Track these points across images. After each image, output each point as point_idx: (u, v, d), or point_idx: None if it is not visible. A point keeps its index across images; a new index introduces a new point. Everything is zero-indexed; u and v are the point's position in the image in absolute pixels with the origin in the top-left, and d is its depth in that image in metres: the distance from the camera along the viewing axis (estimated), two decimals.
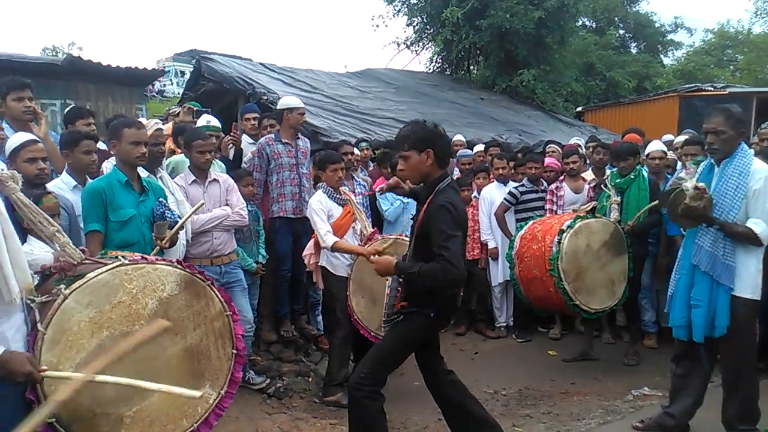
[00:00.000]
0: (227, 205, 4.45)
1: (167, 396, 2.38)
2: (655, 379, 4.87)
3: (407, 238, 4.32)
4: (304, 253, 4.79)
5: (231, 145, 5.51)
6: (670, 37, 24.06)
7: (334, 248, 4.46)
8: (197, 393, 2.17)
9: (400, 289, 3.28)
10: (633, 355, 5.42)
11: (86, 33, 63.93)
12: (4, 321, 2.11)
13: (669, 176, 5.80)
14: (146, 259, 2.54)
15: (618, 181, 5.26)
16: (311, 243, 4.73)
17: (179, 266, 2.56)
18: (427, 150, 3.16)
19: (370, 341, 4.45)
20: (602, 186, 5.41)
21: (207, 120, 5.30)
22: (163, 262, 2.56)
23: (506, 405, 4.70)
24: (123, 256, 2.52)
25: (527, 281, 5.11)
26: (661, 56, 23.73)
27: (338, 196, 4.69)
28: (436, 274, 3.02)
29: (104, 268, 2.36)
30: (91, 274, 2.33)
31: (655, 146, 5.90)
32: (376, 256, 3.98)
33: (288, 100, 5.55)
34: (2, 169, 2.45)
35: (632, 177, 5.19)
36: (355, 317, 4.52)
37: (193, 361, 2.51)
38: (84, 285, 2.29)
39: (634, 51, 22.69)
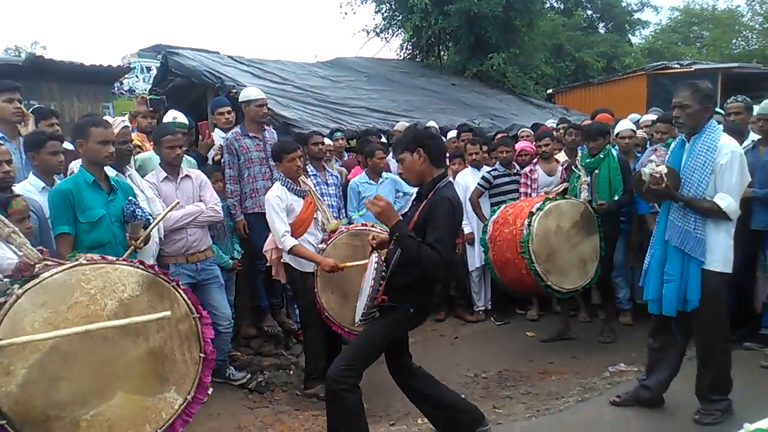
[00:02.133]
0: (200, 201, 4.39)
1: (128, 399, 2.34)
2: (631, 354, 4.96)
3: (374, 229, 4.31)
4: (265, 249, 4.70)
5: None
6: (637, 16, 24.30)
7: (291, 252, 4.38)
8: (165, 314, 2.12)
9: (382, 283, 3.27)
10: (609, 333, 5.51)
11: (49, 31, 62.24)
12: None
13: (639, 155, 5.88)
14: (105, 259, 2.49)
15: (588, 161, 5.32)
16: (270, 238, 4.62)
17: (141, 266, 2.52)
18: (417, 149, 3.24)
19: (341, 335, 4.42)
20: (573, 167, 5.46)
21: (174, 116, 5.20)
22: (124, 263, 2.51)
23: (486, 387, 4.76)
24: (84, 257, 2.47)
25: (501, 264, 5.16)
26: (629, 35, 23.95)
27: (298, 187, 4.54)
28: (420, 250, 3.05)
29: (60, 268, 2.32)
30: (46, 274, 2.29)
31: (624, 125, 5.98)
32: (338, 271, 4.15)
33: (246, 92, 5.47)
34: None
35: (602, 156, 5.25)
36: (326, 314, 4.34)
37: (156, 365, 2.46)
38: (38, 285, 2.25)
39: (602, 31, 22.88)
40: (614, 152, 5.39)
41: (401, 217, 3.28)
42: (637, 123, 6.70)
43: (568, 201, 5.11)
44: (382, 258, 3.37)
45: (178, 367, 2.52)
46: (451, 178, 6.24)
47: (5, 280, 2.46)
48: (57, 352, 2.22)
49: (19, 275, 2.34)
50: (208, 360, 2.62)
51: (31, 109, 4.82)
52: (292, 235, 4.41)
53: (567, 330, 5.68)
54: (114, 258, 2.58)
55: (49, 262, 2.45)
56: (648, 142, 6.18)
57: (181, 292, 2.58)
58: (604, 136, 5.34)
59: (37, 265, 2.41)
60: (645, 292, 3.76)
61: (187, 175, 4.40)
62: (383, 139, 7.30)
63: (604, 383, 4.52)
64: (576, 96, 15.13)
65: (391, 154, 6.11)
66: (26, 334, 2.17)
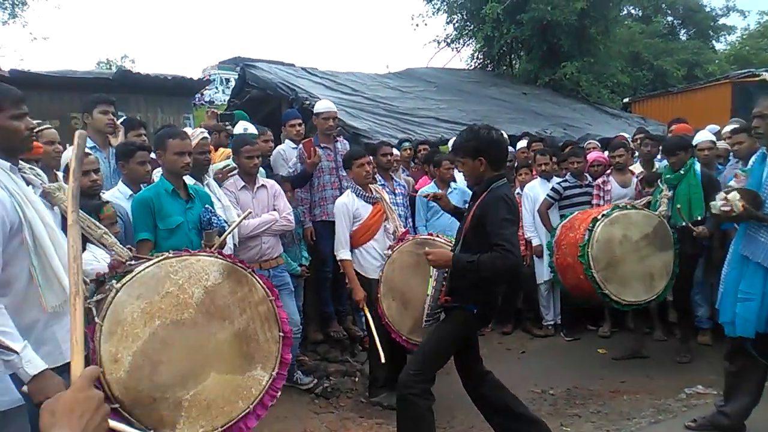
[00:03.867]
0: (275, 209, 4.56)
1: (221, 379, 2.50)
2: (710, 377, 4.72)
3: (438, 239, 4.33)
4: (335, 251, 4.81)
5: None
6: (721, 21, 23.17)
7: (341, 263, 4.62)
8: None
9: (445, 283, 3.31)
10: (686, 353, 5.26)
11: (137, 45, 66.11)
12: (55, 322, 2.27)
13: (720, 167, 5.61)
14: (189, 251, 2.64)
15: (668, 176, 5.12)
16: None
17: (220, 256, 2.66)
18: (479, 158, 3.28)
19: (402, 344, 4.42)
20: (658, 181, 5.29)
21: (244, 127, 5.40)
22: (205, 254, 2.66)
23: (554, 404, 4.64)
24: (169, 251, 2.63)
25: (563, 268, 5.10)
26: (713, 42, 22.88)
27: (367, 194, 4.66)
28: (495, 262, 3.05)
29: (150, 262, 2.49)
30: (139, 268, 2.45)
31: (703, 136, 5.71)
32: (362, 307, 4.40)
33: (317, 105, 5.68)
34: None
35: (682, 173, 5.04)
36: (386, 320, 4.35)
37: (242, 345, 2.60)
38: (133, 278, 2.41)
39: (683, 38, 21.97)
40: (698, 167, 5.13)
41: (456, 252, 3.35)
42: (717, 134, 6.39)
43: (641, 212, 4.95)
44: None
45: (262, 346, 2.65)
46: (519, 189, 6.31)
47: (90, 284, 2.65)
48: (156, 339, 2.38)
49: (113, 272, 2.52)
50: (286, 338, 2.73)
51: (120, 120, 5.11)
52: (355, 242, 4.59)
53: (641, 348, 5.46)
54: (196, 251, 2.72)
55: (137, 258, 2.63)
56: (730, 154, 5.88)
57: (257, 277, 2.71)
58: (686, 149, 5.11)
59: (128, 262, 2.58)
60: (721, 314, 3.58)
61: (263, 185, 4.59)
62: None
63: (680, 405, 4.33)
64: (654, 105, 14.55)
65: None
66: (128, 324, 2.35)
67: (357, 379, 5.14)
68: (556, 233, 5.29)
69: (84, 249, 2.80)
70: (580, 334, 6.14)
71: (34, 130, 3.53)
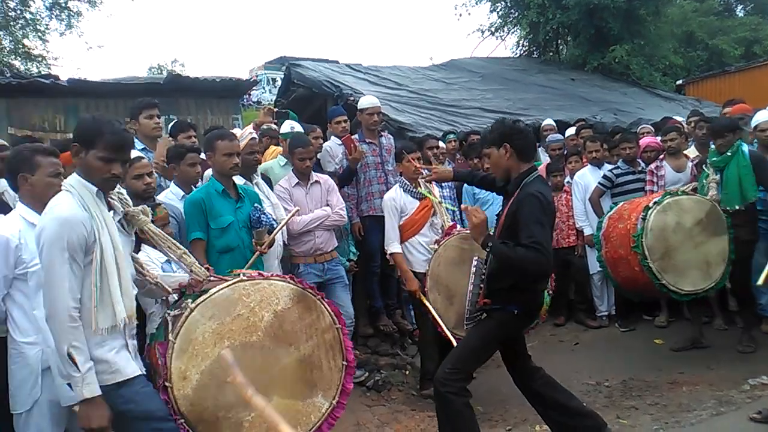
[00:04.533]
0: (327, 205, 4.65)
1: (282, 403, 2.57)
2: None
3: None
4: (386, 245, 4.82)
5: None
6: None
7: (392, 257, 4.64)
8: None
9: (482, 285, 3.28)
10: (749, 342, 5.05)
11: (186, 49, 67.98)
12: (106, 344, 2.36)
13: None
14: (262, 275, 2.73)
15: (714, 159, 4.94)
16: None
17: (292, 282, 2.73)
18: (504, 145, 3.22)
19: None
20: (703, 165, 5.10)
21: (291, 126, 5.48)
22: (278, 278, 2.74)
23: (609, 396, 4.55)
24: (243, 274, 2.72)
25: (614, 262, 4.92)
26: None
27: (415, 189, 4.68)
28: (525, 258, 2.98)
29: (225, 284, 2.58)
30: (214, 290, 2.55)
31: (764, 116, 5.43)
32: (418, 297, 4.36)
33: (361, 101, 5.70)
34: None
35: (729, 154, 4.84)
36: (432, 315, 4.36)
37: (306, 372, 2.65)
38: (207, 299, 2.52)
39: (740, 14, 20.99)
40: (745, 148, 4.92)
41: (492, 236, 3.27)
42: None
43: (692, 197, 4.78)
44: (483, 260, 3.35)
45: (324, 374, 2.71)
46: (569, 177, 6.19)
47: (173, 294, 2.79)
48: (222, 359, 2.47)
49: (190, 290, 2.63)
50: (350, 367, 2.78)
51: (171, 124, 5.25)
52: (402, 236, 4.61)
53: (700, 338, 5.27)
54: (269, 274, 2.81)
55: (213, 279, 2.73)
56: None
57: (325, 303, 2.77)
58: (734, 131, 4.91)
59: (203, 282, 2.68)
60: None
61: (316, 181, 4.68)
62: None
63: (743, 397, 4.17)
64: (709, 86, 13.98)
65: None
66: (197, 344, 2.45)
67: (408, 373, 5.17)
68: (603, 225, 5.11)
69: (139, 250, 2.91)
70: (635, 325, 5.98)
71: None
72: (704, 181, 4.97)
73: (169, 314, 2.53)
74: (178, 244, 2.78)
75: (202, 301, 2.50)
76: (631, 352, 5.41)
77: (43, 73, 13.46)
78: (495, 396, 4.53)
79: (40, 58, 17.75)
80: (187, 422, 2.40)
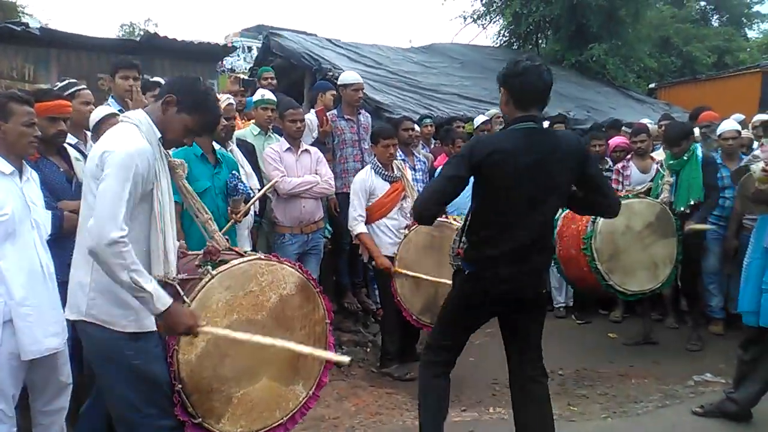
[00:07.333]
0: (317, 174, 4.68)
1: (269, 385, 2.61)
2: (720, 366, 4.75)
3: (456, 222, 4.33)
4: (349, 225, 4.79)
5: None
6: (756, 8, 22.51)
7: (358, 238, 4.62)
8: (345, 359, 2.44)
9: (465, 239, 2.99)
10: (696, 341, 5.29)
11: (160, 8, 65.92)
12: None
13: (743, 156, 5.55)
14: (276, 257, 2.78)
15: (670, 162, 5.16)
16: None
17: (299, 270, 2.77)
18: (502, 89, 2.88)
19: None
20: (659, 167, 5.32)
21: (261, 94, 5.40)
22: (288, 264, 2.76)
23: (562, 384, 4.71)
24: (256, 252, 2.78)
25: (566, 261, 5.07)
26: (745, 29, 22.28)
27: (387, 172, 4.69)
28: None
29: (244, 259, 2.61)
30: (235, 261, 2.57)
31: (728, 125, 5.63)
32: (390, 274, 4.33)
33: (344, 76, 5.65)
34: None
35: (685, 159, 5.09)
36: (398, 299, 4.42)
37: (294, 358, 2.68)
38: (227, 270, 2.53)
39: (715, 24, 21.42)
40: (699, 152, 5.19)
41: None
42: (742, 123, 6.30)
43: (643, 201, 4.95)
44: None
45: (308, 364, 2.75)
46: None
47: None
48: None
49: (208, 257, 2.60)
50: (329, 363, 2.83)
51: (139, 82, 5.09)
52: (369, 218, 4.63)
53: (650, 334, 5.49)
54: (283, 258, 2.84)
55: (229, 251, 2.72)
56: (754, 143, 5.82)
57: (322, 298, 2.82)
58: (687, 139, 5.15)
59: (222, 251, 2.67)
60: (740, 303, 3.61)
61: (306, 150, 4.71)
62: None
63: (688, 392, 4.38)
64: (681, 92, 14.29)
65: None
66: (210, 311, 2.45)
67: (368, 350, 5.25)
68: (558, 224, 5.15)
69: None
70: (591, 318, 6.18)
71: (70, 90, 3.61)
72: (659, 182, 5.19)
73: (175, 279, 2.43)
74: (206, 208, 2.77)
75: (223, 270, 2.51)
76: (585, 343, 5.59)
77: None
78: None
79: (10, 5, 17.01)
80: (184, 388, 2.40)
